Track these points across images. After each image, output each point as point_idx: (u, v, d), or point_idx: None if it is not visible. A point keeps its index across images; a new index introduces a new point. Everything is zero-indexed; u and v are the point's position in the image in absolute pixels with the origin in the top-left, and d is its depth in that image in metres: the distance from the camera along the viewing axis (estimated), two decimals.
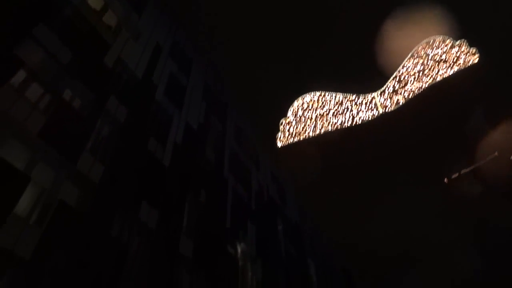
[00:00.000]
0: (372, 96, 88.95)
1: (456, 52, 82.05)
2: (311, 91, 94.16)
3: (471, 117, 75.19)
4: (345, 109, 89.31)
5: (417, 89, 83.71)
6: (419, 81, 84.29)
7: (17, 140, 12.02)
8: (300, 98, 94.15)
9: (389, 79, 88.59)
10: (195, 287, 17.25)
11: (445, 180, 77.14)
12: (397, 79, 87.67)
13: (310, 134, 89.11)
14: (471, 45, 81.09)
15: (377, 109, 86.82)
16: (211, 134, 25.63)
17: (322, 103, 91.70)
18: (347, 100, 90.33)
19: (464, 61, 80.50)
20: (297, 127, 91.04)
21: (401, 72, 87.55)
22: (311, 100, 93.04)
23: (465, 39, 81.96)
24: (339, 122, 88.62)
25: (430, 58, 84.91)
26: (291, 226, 34.81)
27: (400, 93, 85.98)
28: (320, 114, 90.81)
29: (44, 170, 12.57)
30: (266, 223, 28.82)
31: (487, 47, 79.12)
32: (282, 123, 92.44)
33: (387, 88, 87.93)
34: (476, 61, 79.10)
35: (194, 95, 24.88)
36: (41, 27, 13.96)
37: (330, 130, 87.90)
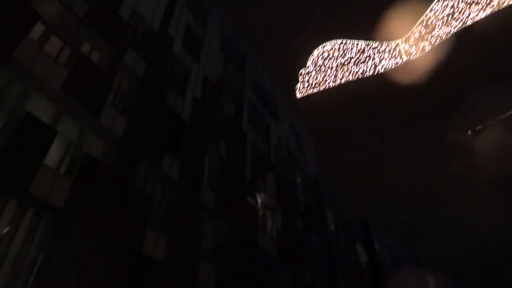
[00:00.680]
0: (396, 43, 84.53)
1: None
2: (332, 39, 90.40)
3: None
4: (367, 58, 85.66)
5: (445, 35, 78.86)
6: (447, 26, 79.09)
7: (41, 94, 12.27)
8: (320, 46, 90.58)
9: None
10: (218, 235, 18.13)
11: (469, 132, 75.22)
12: (423, 24, 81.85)
13: (331, 84, 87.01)
14: None
15: (401, 57, 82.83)
16: (230, 86, 25.42)
17: (343, 51, 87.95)
18: (370, 48, 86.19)
19: (499, 3, 74.52)
20: (316, 78, 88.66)
21: (428, 16, 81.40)
22: (332, 48, 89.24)
23: None
24: (361, 71, 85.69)
25: (461, 0, 78.93)
26: (310, 179, 35.33)
27: (427, 39, 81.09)
28: (341, 63, 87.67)
29: (69, 124, 12.94)
30: (285, 175, 29.31)
31: None
32: (301, 74, 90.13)
33: (412, 34, 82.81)
34: None
35: (211, 47, 24.41)
36: None
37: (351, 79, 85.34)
